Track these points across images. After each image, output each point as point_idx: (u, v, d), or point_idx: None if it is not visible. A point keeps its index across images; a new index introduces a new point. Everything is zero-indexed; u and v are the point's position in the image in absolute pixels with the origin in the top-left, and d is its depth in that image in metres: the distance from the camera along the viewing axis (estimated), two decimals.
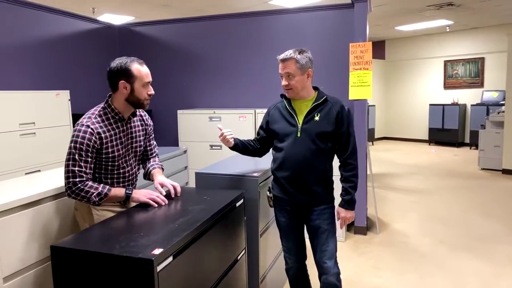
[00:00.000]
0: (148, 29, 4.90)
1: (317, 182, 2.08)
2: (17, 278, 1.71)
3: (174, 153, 3.24)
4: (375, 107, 9.91)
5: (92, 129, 1.80)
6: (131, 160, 2.01)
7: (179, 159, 3.36)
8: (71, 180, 1.76)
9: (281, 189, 2.14)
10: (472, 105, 9.13)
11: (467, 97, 9.41)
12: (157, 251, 1.31)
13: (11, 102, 3.14)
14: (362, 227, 3.94)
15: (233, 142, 2.19)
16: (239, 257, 2.02)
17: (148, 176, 2.12)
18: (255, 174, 2.23)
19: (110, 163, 1.89)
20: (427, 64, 10.02)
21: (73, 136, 1.79)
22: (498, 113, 6.74)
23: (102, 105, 1.90)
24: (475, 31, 9.14)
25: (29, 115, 3.26)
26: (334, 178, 2.15)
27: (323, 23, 4.18)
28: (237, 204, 1.97)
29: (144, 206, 1.84)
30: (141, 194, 1.86)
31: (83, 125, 1.80)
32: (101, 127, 1.83)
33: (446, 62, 9.71)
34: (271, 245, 2.50)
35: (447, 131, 9.36)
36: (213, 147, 4.07)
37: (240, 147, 2.24)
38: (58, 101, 3.49)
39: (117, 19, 6.56)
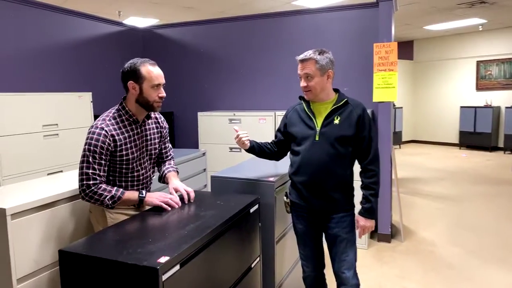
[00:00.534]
0: (171, 31, 4.93)
1: (336, 188, 2.00)
2: (30, 280, 1.71)
3: (192, 155, 3.21)
4: (403, 109, 9.62)
5: (106, 131, 1.78)
6: (146, 163, 1.99)
7: (198, 161, 3.33)
8: (84, 182, 1.75)
9: (298, 194, 2.07)
10: (506, 108, 8.71)
11: (501, 99, 8.98)
12: (164, 259, 1.26)
13: (35, 103, 3.21)
14: (386, 235, 3.79)
15: (248, 144, 2.13)
16: (253, 265, 1.95)
17: (163, 179, 2.10)
18: (271, 179, 2.16)
19: (124, 166, 1.87)
20: (458, 64, 9.63)
21: (87, 139, 1.78)
22: None
23: (116, 107, 1.89)
24: (510, 30, 8.71)
25: (52, 117, 3.33)
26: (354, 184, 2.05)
27: (346, 23, 4.06)
28: (252, 210, 1.91)
29: (157, 209, 1.81)
30: (154, 197, 1.83)
31: (97, 127, 1.79)
32: (115, 129, 1.82)
33: (478, 63, 9.30)
34: (288, 252, 2.42)
35: (479, 135, 8.97)
36: (233, 150, 4.03)
37: (256, 149, 2.18)
38: (81, 103, 3.55)
39: (142, 22, 6.67)
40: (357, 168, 2.05)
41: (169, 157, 2.17)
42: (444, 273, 3.13)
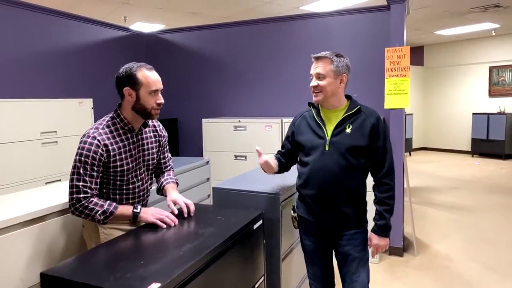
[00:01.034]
0: (176, 36, 4.83)
1: (347, 203, 1.84)
2: None
3: (194, 164, 3.08)
4: (413, 116, 9.41)
5: (98, 140, 1.66)
6: (143, 175, 1.86)
7: (201, 170, 3.19)
8: (74, 196, 1.63)
9: (307, 208, 1.92)
10: None
11: None
12: (154, 286, 1.12)
13: (33, 110, 3.11)
14: (398, 248, 3.60)
15: (277, 169, 1.97)
16: (257, 285, 1.80)
17: (161, 191, 1.96)
18: (277, 191, 2.01)
19: (118, 178, 1.74)
20: (470, 70, 9.41)
21: (78, 149, 1.66)
22: None
23: (111, 114, 1.77)
24: None
25: (51, 124, 3.23)
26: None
27: (357, 27, 3.92)
28: (255, 227, 1.76)
29: (154, 225, 1.67)
30: (149, 213, 1.69)
31: (89, 136, 1.66)
32: (108, 138, 1.69)
33: (491, 68, 9.07)
34: (295, 269, 2.26)
35: (492, 142, 8.72)
36: (238, 158, 3.89)
37: (280, 170, 2.03)
38: (81, 109, 3.45)
39: (148, 27, 6.59)
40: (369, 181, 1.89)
41: (168, 168, 2.04)
42: None
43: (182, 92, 4.72)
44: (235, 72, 4.54)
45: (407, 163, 3.98)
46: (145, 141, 1.85)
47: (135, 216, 1.69)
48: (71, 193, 1.63)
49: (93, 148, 1.64)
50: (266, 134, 3.72)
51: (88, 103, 3.52)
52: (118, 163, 1.71)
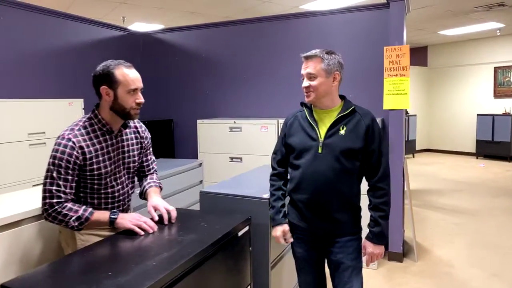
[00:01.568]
0: (171, 35, 4.74)
1: (341, 208, 1.74)
2: None
3: (187, 166, 2.98)
4: (416, 117, 9.27)
5: (73, 142, 1.57)
6: (123, 178, 1.77)
7: (194, 172, 3.10)
8: (47, 201, 1.54)
9: (298, 214, 1.82)
10: None
11: None
12: None
13: (19, 110, 3.03)
14: (397, 253, 3.48)
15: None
16: None
17: (144, 195, 1.87)
18: (265, 196, 1.91)
19: (96, 181, 1.65)
20: (475, 71, 9.26)
21: (52, 151, 1.57)
22: None
23: (88, 115, 1.67)
24: None
25: (39, 124, 3.14)
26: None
27: (355, 26, 3.81)
28: (240, 233, 1.66)
29: (132, 232, 1.58)
30: (127, 219, 1.60)
31: (63, 138, 1.57)
32: (84, 140, 1.60)
33: (496, 69, 8.92)
34: (286, 278, 2.16)
35: (497, 144, 8.55)
36: (233, 159, 3.79)
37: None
38: (71, 110, 3.36)
39: (147, 27, 6.52)
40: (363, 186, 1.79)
41: (152, 171, 1.94)
42: None
43: (177, 93, 4.63)
44: (232, 72, 4.44)
45: (410, 165, 3.86)
46: (125, 143, 1.75)
47: (111, 222, 1.59)
48: (43, 198, 1.54)
49: (67, 150, 1.55)
50: (262, 135, 3.62)
51: (78, 103, 3.43)
52: (95, 166, 1.62)
